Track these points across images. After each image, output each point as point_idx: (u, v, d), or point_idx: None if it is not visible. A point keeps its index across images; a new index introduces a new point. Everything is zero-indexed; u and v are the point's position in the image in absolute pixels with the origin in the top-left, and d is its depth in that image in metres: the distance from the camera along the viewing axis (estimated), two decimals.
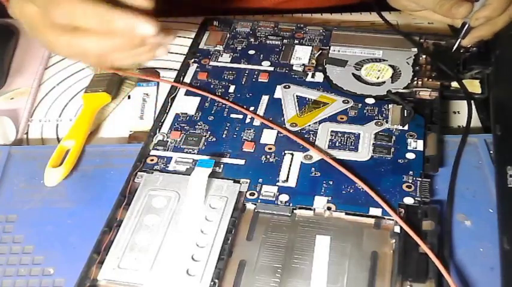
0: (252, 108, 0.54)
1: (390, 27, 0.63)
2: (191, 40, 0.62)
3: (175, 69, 0.60)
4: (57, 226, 0.46)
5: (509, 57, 0.56)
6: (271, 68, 0.58)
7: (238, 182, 0.47)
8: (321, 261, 0.41)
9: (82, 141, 0.52)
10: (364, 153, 0.49)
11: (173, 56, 0.62)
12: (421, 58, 0.58)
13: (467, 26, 0.57)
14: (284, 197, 0.45)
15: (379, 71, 0.57)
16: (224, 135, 0.51)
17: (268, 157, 0.49)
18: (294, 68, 0.58)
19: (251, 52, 0.61)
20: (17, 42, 0.65)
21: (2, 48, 0.61)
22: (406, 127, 0.51)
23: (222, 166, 0.48)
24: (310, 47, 0.61)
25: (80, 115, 0.55)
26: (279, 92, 0.55)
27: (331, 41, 0.61)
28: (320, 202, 0.45)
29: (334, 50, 0.60)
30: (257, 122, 0.52)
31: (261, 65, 0.59)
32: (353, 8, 0.69)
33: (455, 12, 0.56)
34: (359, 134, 0.50)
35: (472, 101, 0.54)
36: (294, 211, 0.45)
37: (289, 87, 0.56)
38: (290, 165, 0.48)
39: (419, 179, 0.46)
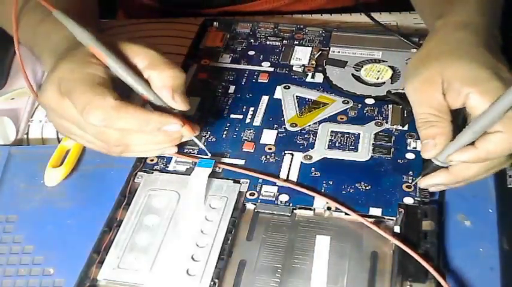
0: (252, 108, 0.54)
1: (388, 28, 0.63)
2: (191, 40, 0.62)
3: None
4: (57, 226, 0.46)
5: (509, 57, 0.55)
6: (271, 69, 0.58)
7: (238, 182, 0.47)
8: (321, 261, 0.41)
9: None
10: (364, 153, 0.49)
11: (173, 56, 0.61)
12: None
13: (433, 165, 0.44)
14: (284, 197, 0.45)
15: (378, 71, 0.57)
16: (224, 136, 0.51)
17: (268, 157, 0.49)
18: (294, 68, 0.58)
19: (251, 53, 0.61)
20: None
21: (3, 49, 0.61)
22: (406, 127, 0.51)
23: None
24: (310, 48, 0.61)
25: None
26: (279, 92, 0.55)
27: (331, 42, 0.61)
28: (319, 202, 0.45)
29: (333, 51, 0.60)
30: (257, 122, 0.52)
31: (261, 66, 0.59)
32: (352, 9, 0.69)
33: (422, 150, 0.44)
34: (359, 134, 0.50)
35: None
36: (294, 211, 0.45)
37: (289, 87, 0.56)
38: (290, 165, 0.48)
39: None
